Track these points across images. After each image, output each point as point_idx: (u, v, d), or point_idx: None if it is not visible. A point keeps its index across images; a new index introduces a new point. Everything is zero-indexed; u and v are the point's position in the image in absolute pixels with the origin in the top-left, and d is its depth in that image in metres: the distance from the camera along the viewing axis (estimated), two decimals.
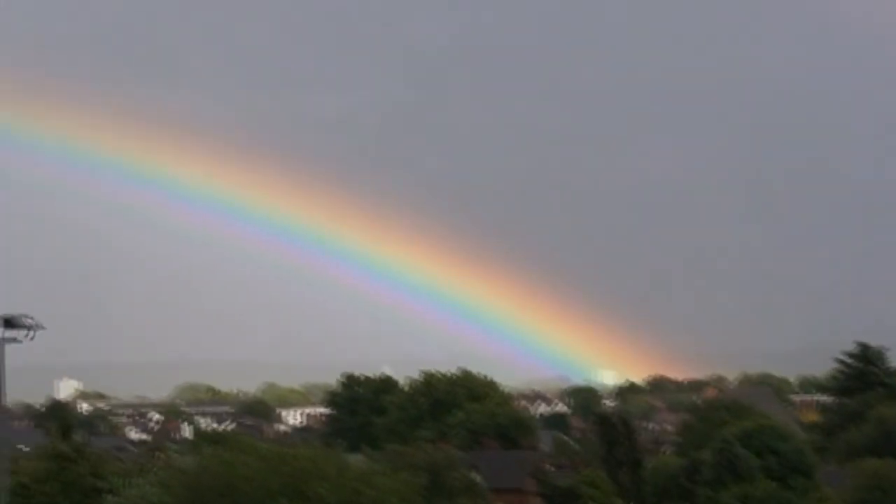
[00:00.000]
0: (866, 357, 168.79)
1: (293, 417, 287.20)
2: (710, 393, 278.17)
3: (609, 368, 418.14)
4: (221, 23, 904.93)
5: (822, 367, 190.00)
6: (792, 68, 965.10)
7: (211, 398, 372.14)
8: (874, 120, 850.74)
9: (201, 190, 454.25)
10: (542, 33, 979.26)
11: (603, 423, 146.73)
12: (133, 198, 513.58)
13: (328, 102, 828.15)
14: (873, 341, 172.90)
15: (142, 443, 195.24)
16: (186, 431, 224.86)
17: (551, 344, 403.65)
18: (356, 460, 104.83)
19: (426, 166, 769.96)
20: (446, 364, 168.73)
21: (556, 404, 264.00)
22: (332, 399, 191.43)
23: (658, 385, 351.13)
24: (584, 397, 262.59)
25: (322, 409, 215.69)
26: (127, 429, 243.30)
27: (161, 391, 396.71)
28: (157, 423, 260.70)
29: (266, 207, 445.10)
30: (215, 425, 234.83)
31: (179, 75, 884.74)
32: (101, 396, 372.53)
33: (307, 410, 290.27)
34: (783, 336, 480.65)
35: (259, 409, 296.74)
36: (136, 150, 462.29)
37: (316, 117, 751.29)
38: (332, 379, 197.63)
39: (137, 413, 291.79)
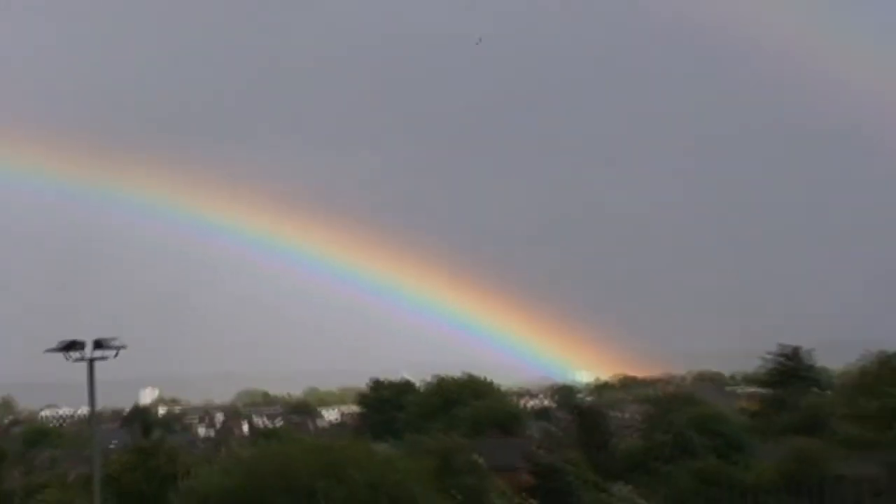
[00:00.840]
0: (795, 356, 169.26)
1: (331, 415, 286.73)
2: (666, 387, 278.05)
3: (584, 369, 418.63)
4: (282, 92, 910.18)
5: (754, 364, 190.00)
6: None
7: (265, 401, 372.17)
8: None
9: (257, 234, 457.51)
10: (544, 99, 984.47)
11: (580, 414, 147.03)
12: (204, 241, 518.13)
13: (363, 161, 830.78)
14: (792, 342, 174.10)
15: (208, 439, 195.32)
16: (245, 428, 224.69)
17: (537, 350, 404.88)
18: (382, 449, 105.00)
19: (442, 212, 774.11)
20: (454, 369, 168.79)
21: (543, 400, 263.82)
22: (362, 399, 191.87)
23: (625, 382, 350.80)
24: (564, 394, 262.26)
25: (354, 408, 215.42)
26: (197, 427, 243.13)
27: (225, 396, 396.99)
28: (221, 422, 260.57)
29: (312, 248, 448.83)
30: (268, 423, 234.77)
31: (247, 138, 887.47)
32: (175, 402, 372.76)
33: (343, 409, 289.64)
34: (724, 338, 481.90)
35: (303, 409, 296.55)
36: (210, 200, 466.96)
37: (353, 173, 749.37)
38: (363, 383, 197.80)
39: (205, 414, 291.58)
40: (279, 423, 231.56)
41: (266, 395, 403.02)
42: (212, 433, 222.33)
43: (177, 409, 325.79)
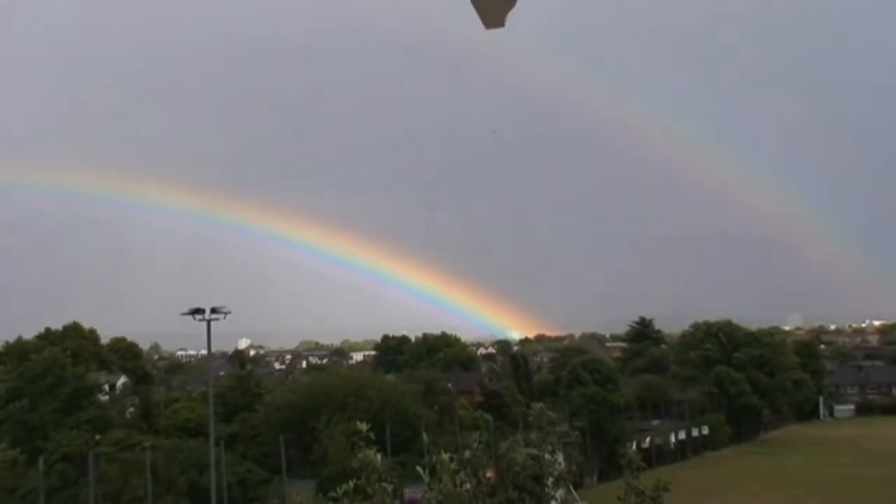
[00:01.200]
0: (646, 324, 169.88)
1: (358, 357, 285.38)
2: (566, 342, 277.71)
3: (515, 329, 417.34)
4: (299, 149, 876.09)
5: (622, 328, 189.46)
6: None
7: (317, 347, 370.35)
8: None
9: (312, 245, 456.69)
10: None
11: (512, 358, 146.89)
12: (275, 250, 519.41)
13: (371, 200, 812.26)
14: (646, 313, 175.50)
15: (281, 371, 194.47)
16: (304, 364, 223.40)
17: (487, 317, 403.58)
18: (389, 378, 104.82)
19: (429, 232, 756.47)
20: (434, 329, 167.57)
21: (489, 349, 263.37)
22: (377, 347, 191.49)
23: (540, 338, 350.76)
24: (502, 345, 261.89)
25: (372, 352, 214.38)
26: (274, 364, 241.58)
27: (292, 344, 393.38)
28: (289, 361, 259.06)
29: (345, 256, 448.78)
30: (318, 361, 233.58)
31: (300, 186, 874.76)
32: (261, 347, 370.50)
33: (365, 353, 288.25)
34: (603, 310, 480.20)
35: (340, 353, 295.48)
36: (283, 224, 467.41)
37: (336, 212, 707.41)
38: (378, 337, 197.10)
39: (279, 355, 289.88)
40: (325, 361, 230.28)
41: (318, 343, 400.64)
42: (283, 367, 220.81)
43: (261, 351, 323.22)
